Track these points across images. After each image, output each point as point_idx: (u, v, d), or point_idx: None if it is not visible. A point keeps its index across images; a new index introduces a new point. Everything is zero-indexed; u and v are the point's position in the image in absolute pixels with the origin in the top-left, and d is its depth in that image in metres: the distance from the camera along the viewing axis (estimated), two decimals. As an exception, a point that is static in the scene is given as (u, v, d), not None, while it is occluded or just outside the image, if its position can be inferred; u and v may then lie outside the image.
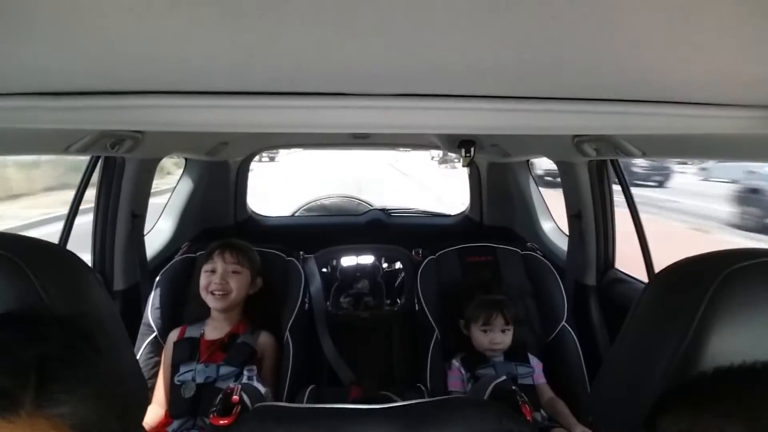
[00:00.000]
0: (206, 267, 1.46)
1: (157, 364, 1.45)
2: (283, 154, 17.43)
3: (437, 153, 17.33)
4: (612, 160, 1.67)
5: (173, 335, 1.46)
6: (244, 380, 1.25)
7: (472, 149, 1.82)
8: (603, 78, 0.62)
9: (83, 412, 0.38)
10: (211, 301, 1.43)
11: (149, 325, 1.50)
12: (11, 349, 0.38)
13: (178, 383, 1.35)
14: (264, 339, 1.46)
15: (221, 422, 0.87)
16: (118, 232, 1.65)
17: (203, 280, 1.44)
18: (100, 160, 1.59)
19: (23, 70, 0.58)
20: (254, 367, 1.30)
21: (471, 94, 0.70)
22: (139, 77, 0.63)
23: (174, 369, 1.38)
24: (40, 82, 0.65)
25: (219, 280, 1.42)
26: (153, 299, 1.53)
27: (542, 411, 1.41)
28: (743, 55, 0.49)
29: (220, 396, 0.95)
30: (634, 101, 0.72)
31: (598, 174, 1.70)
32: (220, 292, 1.41)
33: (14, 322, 0.42)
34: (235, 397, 0.93)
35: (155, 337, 1.48)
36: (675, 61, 0.52)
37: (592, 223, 1.74)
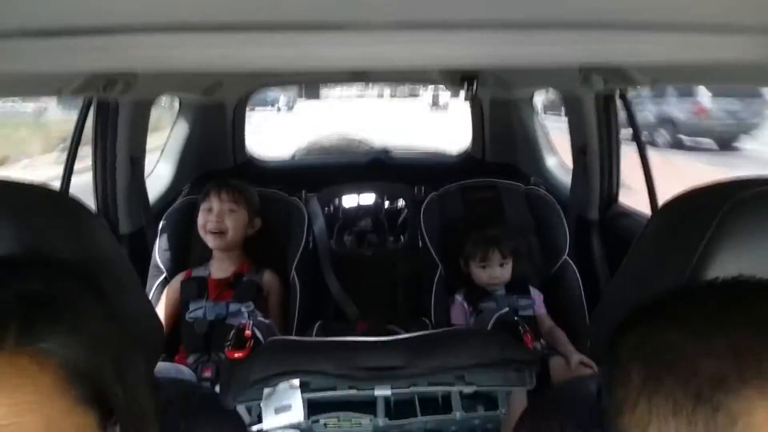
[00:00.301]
0: (203, 206, 1.47)
1: None
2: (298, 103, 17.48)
3: (429, 100, 18.90)
4: (621, 95, 1.62)
5: (179, 278, 1.49)
6: (245, 318, 1.31)
7: (475, 84, 1.76)
8: (610, 2, 0.58)
9: (71, 352, 0.36)
10: (209, 241, 1.45)
11: (158, 267, 1.53)
12: None
13: (190, 320, 1.40)
14: (268, 277, 1.50)
15: (236, 355, 0.91)
16: (119, 176, 1.64)
17: (200, 219, 1.46)
18: (92, 104, 1.55)
19: (6, 9, 0.55)
20: (251, 303, 1.36)
21: (473, 21, 0.67)
22: (126, 12, 0.60)
23: (184, 307, 1.42)
24: (24, 21, 0.61)
25: (215, 219, 1.43)
26: (160, 242, 1.55)
27: (542, 340, 1.47)
28: None
29: (233, 331, 0.99)
30: (642, 28, 0.69)
31: (604, 108, 1.66)
32: (217, 231, 1.43)
33: (2, 264, 0.40)
34: (248, 332, 0.97)
35: (165, 278, 1.52)
36: None
37: (597, 158, 1.71)
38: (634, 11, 0.62)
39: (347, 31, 0.67)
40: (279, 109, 16.17)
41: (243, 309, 1.34)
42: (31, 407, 0.34)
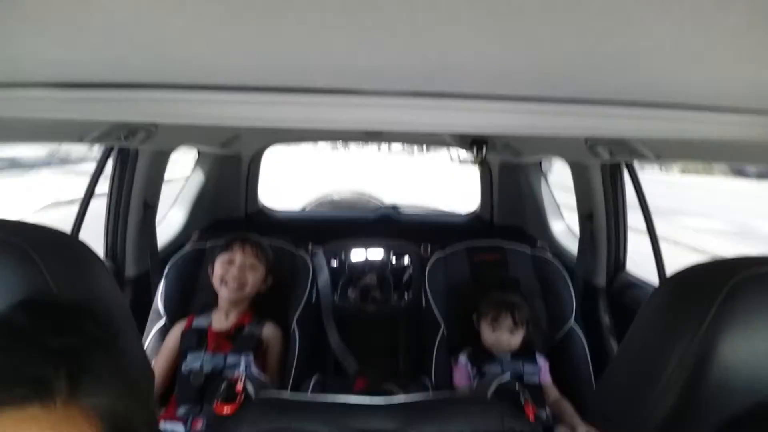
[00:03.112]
0: (224, 257, 1.48)
1: None
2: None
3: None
4: (626, 162, 1.65)
5: (180, 326, 1.47)
6: (242, 368, 1.28)
7: (484, 148, 1.81)
8: (617, 81, 0.61)
9: (112, 403, 0.38)
10: (224, 292, 1.44)
11: (159, 313, 1.52)
12: (40, 338, 0.38)
13: (185, 372, 1.37)
14: (269, 329, 1.48)
15: (225, 409, 0.88)
16: (131, 221, 1.67)
17: (219, 269, 1.46)
18: (114, 150, 1.61)
19: (39, 61, 0.59)
20: (251, 354, 1.33)
21: (484, 94, 0.70)
22: (152, 71, 0.64)
23: (182, 357, 1.40)
24: (56, 73, 0.66)
25: (237, 272, 1.44)
26: (163, 287, 1.55)
27: (547, 410, 1.41)
28: (759, 60, 0.48)
29: (224, 384, 0.96)
30: (648, 105, 0.71)
31: (611, 176, 1.68)
32: (236, 283, 1.43)
33: (36, 310, 0.42)
34: (239, 386, 0.94)
35: (164, 324, 1.50)
36: (690, 66, 0.52)
37: (604, 225, 1.72)
38: (639, 88, 0.65)
39: (362, 96, 0.70)
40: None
41: (242, 358, 1.31)
42: None
